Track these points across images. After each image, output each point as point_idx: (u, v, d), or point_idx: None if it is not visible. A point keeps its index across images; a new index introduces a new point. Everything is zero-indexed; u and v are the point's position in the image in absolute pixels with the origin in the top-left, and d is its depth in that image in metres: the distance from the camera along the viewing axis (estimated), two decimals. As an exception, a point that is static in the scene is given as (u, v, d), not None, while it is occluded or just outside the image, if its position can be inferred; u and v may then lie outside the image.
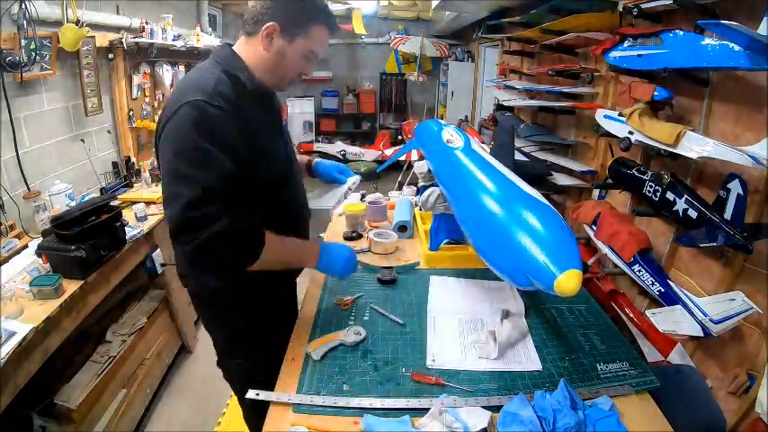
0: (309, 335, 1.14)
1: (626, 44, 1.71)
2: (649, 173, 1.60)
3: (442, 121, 1.72)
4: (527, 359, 1.05)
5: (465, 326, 1.17)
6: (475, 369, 1.02)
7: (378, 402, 0.92)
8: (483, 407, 0.89)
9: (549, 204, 0.96)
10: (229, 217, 0.90)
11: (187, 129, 0.90)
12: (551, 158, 2.53)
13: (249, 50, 1.05)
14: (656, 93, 1.54)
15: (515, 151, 2.26)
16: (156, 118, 3.23)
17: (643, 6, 1.58)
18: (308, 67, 1.10)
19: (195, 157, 0.90)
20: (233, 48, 1.08)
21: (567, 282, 0.75)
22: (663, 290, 1.44)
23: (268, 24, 0.99)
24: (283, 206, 1.17)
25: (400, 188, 2.63)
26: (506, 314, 1.16)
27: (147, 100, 3.00)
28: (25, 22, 1.86)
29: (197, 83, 0.97)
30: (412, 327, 1.17)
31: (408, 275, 1.44)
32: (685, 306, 1.35)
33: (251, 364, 1.20)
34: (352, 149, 6.19)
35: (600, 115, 1.85)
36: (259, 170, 1.02)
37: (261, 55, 1.04)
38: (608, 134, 1.79)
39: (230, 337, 1.25)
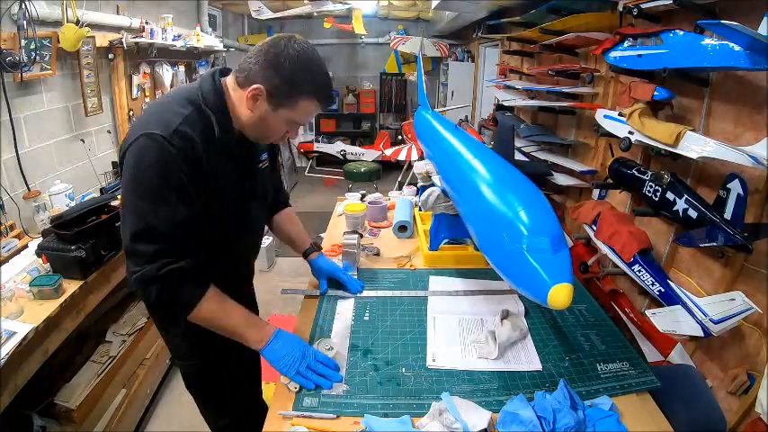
0: (310, 335, 1.15)
1: (626, 44, 1.70)
2: (649, 173, 1.60)
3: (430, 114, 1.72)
4: (527, 359, 1.05)
5: (465, 326, 1.17)
6: (475, 369, 1.02)
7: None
8: (483, 407, 0.89)
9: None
10: (169, 261, 0.91)
11: (143, 162, 0.89)
12: (551, 158, 2.53)
13: (236, 97, 0.99)
14: (656, 93, 1.54)
15: (515, 151, 2.26)
16: None
17: (643, 6, 1.58)
18: (291, 132, 1.05)
19: (144, 193, 0.89)
20: (226, 78, 1.02)
21: (558, 295, 0.77)
22: (663, 290, 1.44)
23: (255, 87, 0.94)
24: (228, 247, 1.13)
25: (400, 188, 2.63)
26: (506, 314, 1.16)
27: (147, 100, 3.00)
28: (25, 22, 1.86)
29: (164, 113, 0.93)
30: (412, 327, 1.17)
31: (409, 276, 1.44)
32: (685, 306, 1.35)
33: (204, 364, 1.21)
34: (352, 149, 6.19)
35: (600, 115, 1.85)
36: (209, 212, 0.99)
37: (244, 109, 0.98)
38: (608, 134, 1.79)
39: (185, 341, 1.19)
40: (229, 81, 1.01)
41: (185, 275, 0.94)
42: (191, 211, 0.93)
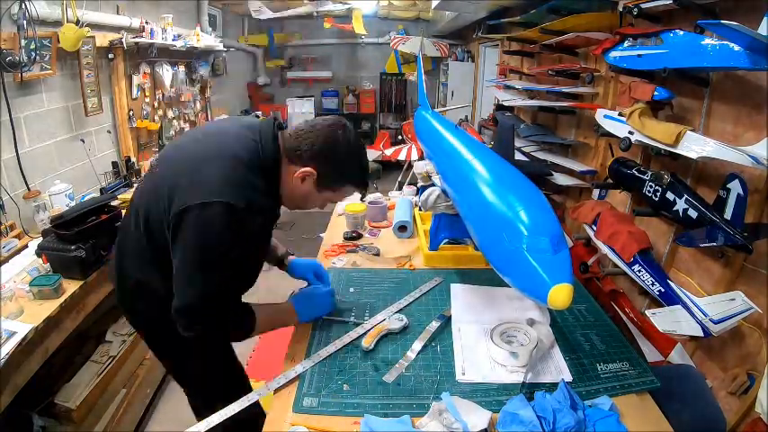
0: (310, 335, 1.15)
1: (626, 44, 1.70)
2: (649, 173, 1.60)
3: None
4: (557, 370, 1.01)
5: (491, 336, 1.10)
6: (507, 382, 0.97)
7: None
8: (483, 407, 0.88)
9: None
10: (233, 309, 1.02)
11: (220, 230, 0.90)
12: (551, 158, 2.53)
13: (284, 168, 1.04)
14: (656, 93, 1.54)
15: (515, 151, 2.26)
16: (156, 118, 3.10)
17: (643, 6, 1.58)
18: (321, 206, 1.14)
19: (220, 261, 0.93)
20: (277, 144, 1.03)
21: (558, 295, 0.77)
22: (663, 290, 1.44)
23: (307, 169, 1.01)
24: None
25: (400, 188, 2.63)
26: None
27: (147, 100, 3.00)
28: (25, 22, 1.86)
29: (238, 180, 0.93)
30: (412, 326, 1.17)
31: (409, 276, 1.44)
32: (685, 306, 1.35)
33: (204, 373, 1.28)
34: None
35: (600, 115, 1.85)
36: (254, 270, 1.14)
37: (288, 181, 1.04)
38: (608, 134, 1.79)
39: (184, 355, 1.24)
40: (282, 149, 1.03)
41: (244, 315, 1.05)
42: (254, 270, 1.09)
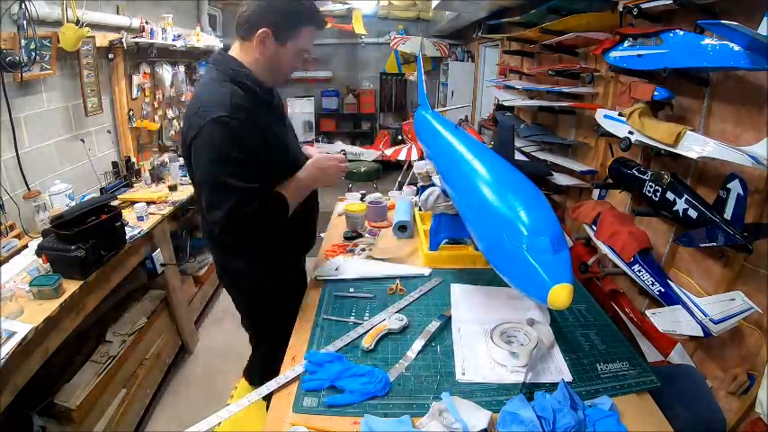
0: (310, 335, 1.15)
1: (626, 44, 1.71)
2: (649, 173, 1.60)
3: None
4: (557, 370, 1.01)
5: (491, 336, 1.09)
6: (507, 382, 0.97)
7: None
8: (483, 407, 0.88)
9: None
10: (259, 201, 1.11)
11: (217, 143, 1.07)
12: (551, 158, 2.53)
13: (247, 54, 1.18)
14: (656, 93, 1.54)
15: (515, 151, 2.26)
16: (156, 118, 3.21)
17: (643, 6, 1.58)
18: (301, 64, 1.24)
19: (228, 168, 1.08)
20: (230, 53, 1.20)
21: (558, 295, 0.77)
22: (663, 290, 1.44)
23: (261, 31, 1.11)
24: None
25: (400, 188, 2.62)
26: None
27: (147, 100, 3.00)
28: (25, 22, 1.86)
29: (214, 99, 1.10)
30: (412, 326, 1.17)
31: (410, 277, 1.44)
32: (685, 306, 1.35)
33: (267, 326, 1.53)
34: (352, 149, 6.19)
35: (600, 115, 1.85)
36: (278, 159, 1.20)
37: (256, 58, 1.16)
38: (608, 134, 1.79)
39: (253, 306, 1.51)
40: (235, 48, 1.20)
41: (271, 201, 1.16)
42: (263, 161, 1.13)
